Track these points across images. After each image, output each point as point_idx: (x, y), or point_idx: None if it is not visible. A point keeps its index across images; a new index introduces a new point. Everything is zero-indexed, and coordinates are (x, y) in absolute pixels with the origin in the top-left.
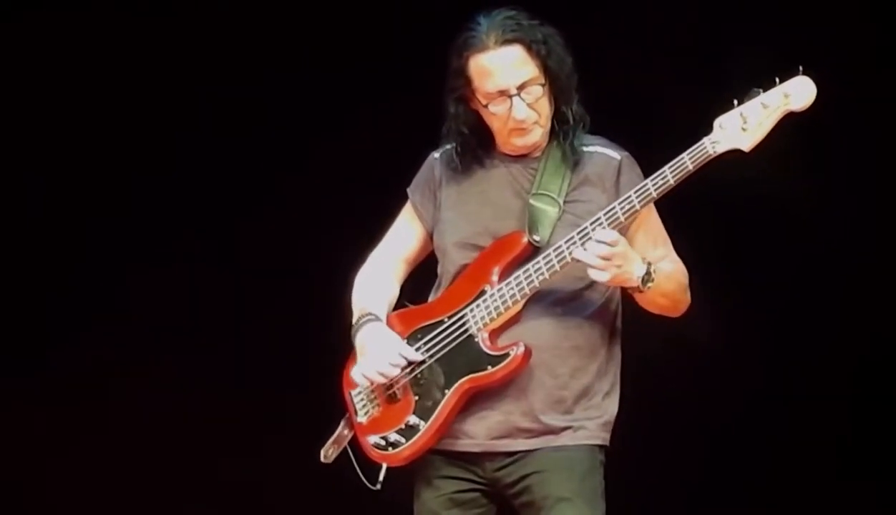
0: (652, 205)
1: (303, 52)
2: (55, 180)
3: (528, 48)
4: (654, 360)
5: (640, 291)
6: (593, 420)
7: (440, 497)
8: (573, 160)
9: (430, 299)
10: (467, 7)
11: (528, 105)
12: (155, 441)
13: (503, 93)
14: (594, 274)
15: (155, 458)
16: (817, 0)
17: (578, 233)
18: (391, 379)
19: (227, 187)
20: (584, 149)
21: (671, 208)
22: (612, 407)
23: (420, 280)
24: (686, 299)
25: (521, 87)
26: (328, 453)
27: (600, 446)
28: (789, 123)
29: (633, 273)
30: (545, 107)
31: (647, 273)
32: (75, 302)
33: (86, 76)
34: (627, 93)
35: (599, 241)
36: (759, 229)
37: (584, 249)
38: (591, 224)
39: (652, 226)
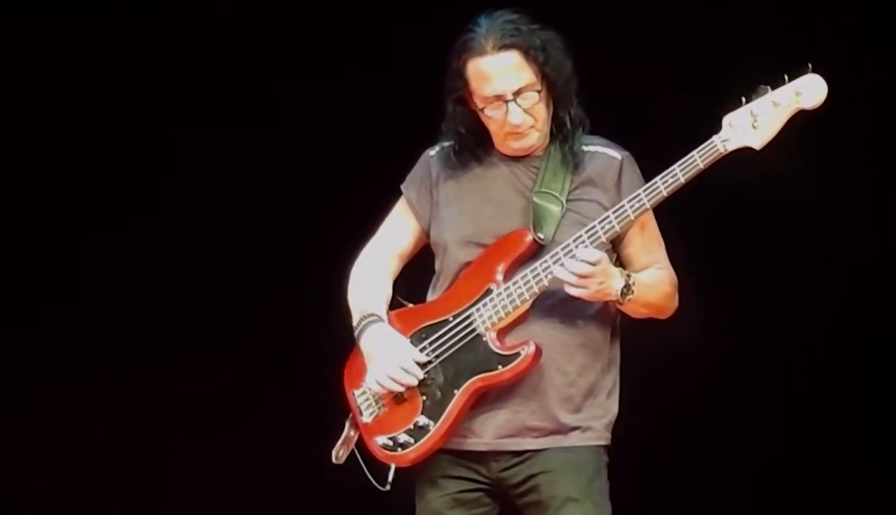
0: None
1: (302, 52)
2: (54, 180)
3: (526, 54)
4: (656, 361)
5: (620, 304)
6: (599, 419)
7: (444, 496)
8: (574, 161)
9: (429, 296)
10: (466, 9)
11: (524, 110)
12: (153, 442)
13: (499, 98)
14: (572, 290)
15: (153, 460)
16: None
17: (587, 232)
18: (408, 387)
19: (226, 187)
20: (585, 148)
21: (671, 206)
22: (613, 406)
23: (412, 276)
24: (671, 306)
25: (517, 93)
26: (338, 454)
27: (605, 446)
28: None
29: (613, 287)
30: (542, 113)
31: (627, 286)
32: (74, 303)
33: (85, 78)
34: (618, 95)
35: (582, 260)
36: (760, 228)
37: (563, 267)
38: (601, 222)
39: (648, 229)
